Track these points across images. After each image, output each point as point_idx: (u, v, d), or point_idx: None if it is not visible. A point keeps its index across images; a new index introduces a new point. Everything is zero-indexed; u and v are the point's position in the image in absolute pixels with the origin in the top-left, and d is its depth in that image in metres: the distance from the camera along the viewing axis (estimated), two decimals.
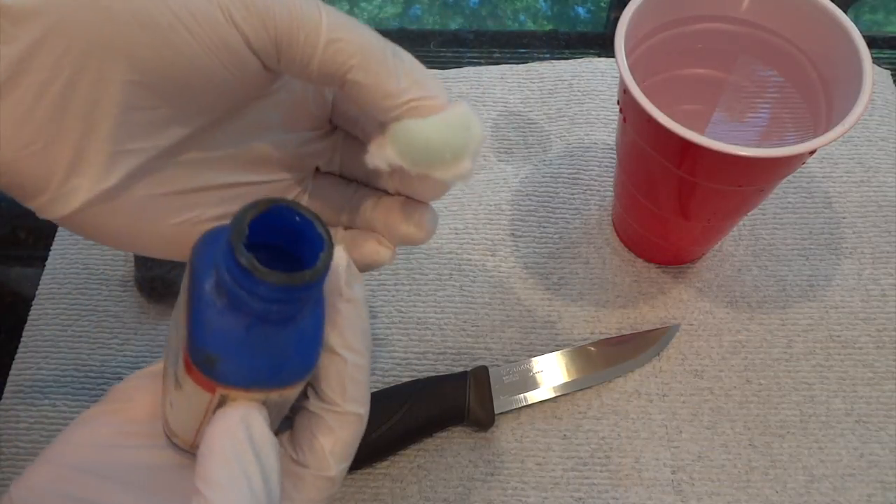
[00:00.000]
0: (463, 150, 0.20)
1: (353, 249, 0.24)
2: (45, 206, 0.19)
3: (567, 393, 0.37)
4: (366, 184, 0.25)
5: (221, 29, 0.18)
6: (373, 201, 0.24)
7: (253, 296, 0.17)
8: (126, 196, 0.20)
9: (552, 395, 0.36)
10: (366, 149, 0.21)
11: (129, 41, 0.18)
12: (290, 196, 0.24)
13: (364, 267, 0.24)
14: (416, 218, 0.24)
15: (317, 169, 0.26)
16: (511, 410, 0.36)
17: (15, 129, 0.18)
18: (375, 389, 0.36)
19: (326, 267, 0.18)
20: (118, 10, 0.17)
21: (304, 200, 0.25)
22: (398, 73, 0.20)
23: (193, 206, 0.22)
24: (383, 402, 0.35)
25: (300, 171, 0.24)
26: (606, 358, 0.37)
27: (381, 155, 0.20)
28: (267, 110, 0.22)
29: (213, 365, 0.18)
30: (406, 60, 0.21)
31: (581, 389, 0.37)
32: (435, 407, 0.35)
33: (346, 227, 0.25)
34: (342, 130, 0.25)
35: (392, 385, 0.36)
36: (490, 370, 0.36)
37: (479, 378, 0.36)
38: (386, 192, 0.25)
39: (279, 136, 0.23)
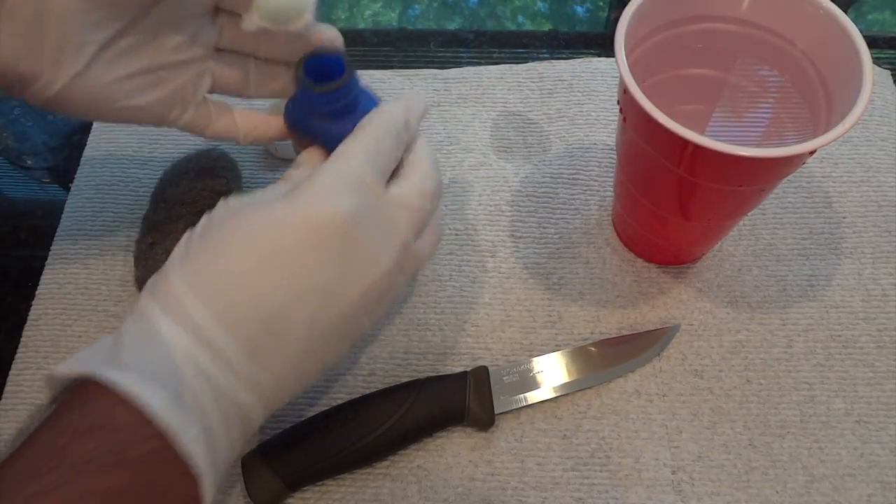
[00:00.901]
0: (301, 10, 0.30)
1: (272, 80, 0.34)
2: (39, 91, 0.28)
3: (567, 393, 0.37)
4: (254, 55, 0.34)
5: None
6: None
7: (308, 98, 0.32)
8: (89, 78, 0.28)
9: (552, 395, 0.36)
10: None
11: None
12: (202, 67, 0.33)
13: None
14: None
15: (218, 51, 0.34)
16: (511, 410, 0.36)
17: (13, 39, 0.26)
18: (375, 389, 0.36)
19: (347, 81, 0.31)
20: None
21: (215, 70, 0.33)
22: None
23: (134, 87, 0.30)
24: (383, 402, 0.35)
25: (206, 49, 0.32)
26: (607, 358, 0.37)
27: (250, 21, 0.29)
28: (170, 6, 0.30)
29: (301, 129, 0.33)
30: None
31: (581, 390, 0.37)
32: (435, 407, 0.35)
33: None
34: (226, 12, 0.33)
35: (392, 385, 0.36)
36: (490, 370, 0.36)
37: (479, 378, 0.36)
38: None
39: (185, 23, 0.31)
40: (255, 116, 0.34)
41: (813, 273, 0.41)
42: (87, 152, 0.46)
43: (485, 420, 0.35)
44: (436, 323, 0.39)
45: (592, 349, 0.38)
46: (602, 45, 0.52)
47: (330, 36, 0.32)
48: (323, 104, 0.33)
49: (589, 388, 0.37)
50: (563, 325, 0.39)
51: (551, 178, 0.44)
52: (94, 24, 0.28)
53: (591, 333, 0.39)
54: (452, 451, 0.36)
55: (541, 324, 0.39)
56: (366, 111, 0.36)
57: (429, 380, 0.36)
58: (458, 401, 0.35)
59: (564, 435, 0.36)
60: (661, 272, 0.41)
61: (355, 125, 0.33)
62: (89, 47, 0.28)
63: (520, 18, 0.54)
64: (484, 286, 0.41)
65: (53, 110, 0.29)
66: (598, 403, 0.37)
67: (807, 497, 0.35)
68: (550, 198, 0.44)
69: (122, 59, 0.29)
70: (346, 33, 0.54)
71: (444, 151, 0.45)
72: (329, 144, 0.30)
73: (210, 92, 0.34)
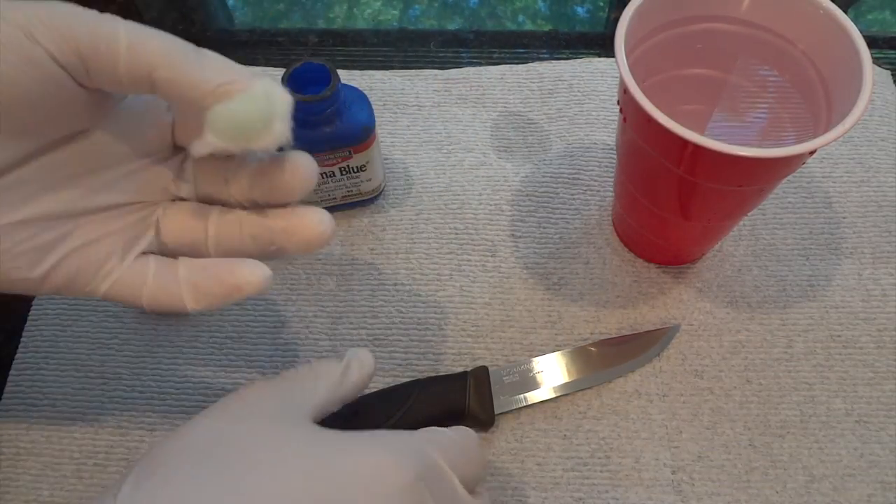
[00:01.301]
0: (270, 118, 0.23)
1: (228, 276, 0.24)
2: None
3: (567, 393, 0.37)
4: (223, 203, 0.26)
5: (25, 47, 0.20)
6: (237, 217, 0.26)
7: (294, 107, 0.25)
8: None
9: (552, 395, 0.36)
10: (213, 167, 0.24)
11: None
12: (146, 222, 0.25)
13: (234, 290, 0.25)
14: (300, 212, 0.25)
15: (179, 199, 0.27)
16: (511, 410, 0.36)
17: None
18: (375, 389, 0.36)
19: (332, 92, 0.34)
20: None
21: (161, 225, 0.26)
22: (201, 65, 0.22)
23: (30, 248, 0.22)
24: (383, 401, 0.35)
25: (150, 195, 0.25)
26: (607, 358, 0.37)
27: (202, 143, 0.22)
28: (105, 137, 0.24)
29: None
30: (208, 55, 0.22)
31: (581, 390, 0.37)
32: (435, 407, 0.35)
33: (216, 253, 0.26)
34: (185, 152, 0.26)
35: (392, 385, 0.36)
36: (490, 370, 0.36)
37: (479, 378, 0.36)
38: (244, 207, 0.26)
39: (121, 161, 0.24)
40: (206, 276, 0.25)
41: (813, 273, 0.41)
42: None
43: (485, 420, 0.35)
44: (436, 323, 0.39)
45: (592, 349, 0.38)
46: (602, 45, 0.52)
47: (303, 173, 0.25)
48: (308, 113, 0.35)
49: (589, 388, 0.37)
50: (563, 325, 0.39)
51: (551, 177, 0.44)
52: None
53: (591, 333, 0.39)
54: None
55: (541, 324, 0.39)
56: (352, 115, 0.37)
57: (429, 380, 0.36)
58: (458, 401, 0.35)
59: (564, 435, 0.36)
60: (661, 272, 0.41)
61: (339, 130, 0.34)
62: None
63: (520, 18, 0.54)
64: (484, 286, 0.41)
65: None
66: (598, 404, 0.37)
67: (807, 497, 0.35)
68: (550, 197, 0.44)
69: (11, 200, 0.22)
70: (346, 33, 0.55)
71: (445, 151, 0.45)
72: (314, 150, 0.30)
73: (151, 251, 0.26)
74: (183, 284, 0.25)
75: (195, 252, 0.26)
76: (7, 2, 0.20)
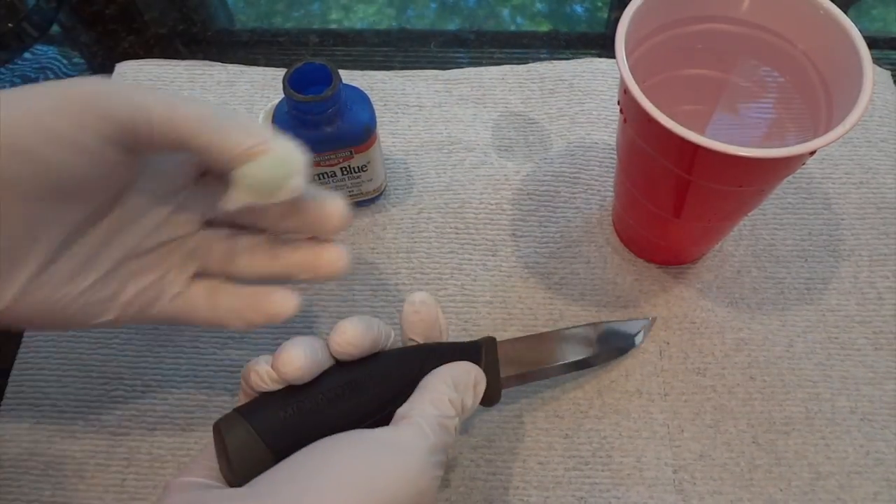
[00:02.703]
0: (289, 175, 0.26)
1: (264, 305, 0.29)
2: None
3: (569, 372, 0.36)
4: (256, 227, 0.30)
5: (78, 137, 0.23)
6: (265, 246, 0.30)
7: (293, 108, 0.34)
8: (35, 296, 0.24)
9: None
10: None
11: (10, 168, 0.22)
12: (189, 252, 0.29)
13: (271, 318, 0.29)
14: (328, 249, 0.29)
15: (209, 223, 0.30)
16: (513, 406, 0.36)
17: None
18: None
19: (333, 92, 0.34)
20: None
21: (200, 252, 0.29)
22: (227, 132, 0.25)
23: (96, 292, 0.26)
24: (396, 365, 0.31)
25: (187, 228, 0.29)
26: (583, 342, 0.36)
27: (231, 199, 0.26)
28: (145, 184, 0.27)
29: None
30: (232, 118, 0.25)
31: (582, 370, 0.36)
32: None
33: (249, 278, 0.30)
34: (213, 176, 0.29)
35: (400, 348, 0.32)
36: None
37: (489, 349, 0.33)
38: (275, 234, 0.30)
39: (161, 203, 0.27)
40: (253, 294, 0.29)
41: (811, 276, 0.41)
42: None
43: (493, 395, 0.32)
44: None
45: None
46: (602, 45, 0.52)
47: (336, 222, 0.28)
48: (309, 114, 0.35)
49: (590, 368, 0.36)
50: (564, 324, 0.39)
51: (552, 176, 0.44)
52: (40, 229, 0.24)
53: None
54: (453, 450, 0.36)
55: (542, 323, 0.39)
56: (354, 115, 0.37)
57: (438, 347, 0.32)
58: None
59: (566, 434, 0.36)
60: (662, 272, 0.41)
61: (340, 130, 0.35)
62: (34, 260, 0.24)
63: (518, 19, 0.54)
64: (485, 285, 0.41)
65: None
66: (600, 403, 0.37)
67: (812, 495, 0.35)
68: (551, 197, 0.44)
69: (75, 265, 0.25)
70: (346, 33, 0.55)
71: (446, 151, 0.45)
72: (315, 150, 0.30)
73: (196, 275, 0.30)
74: (226, 312, 0.29)
75: (230, 272, 0.30)
76: (62, 88, 0.23)
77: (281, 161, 0.26)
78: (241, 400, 0.29)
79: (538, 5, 0.55)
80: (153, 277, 0.28)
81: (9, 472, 0.35)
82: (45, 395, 0.37)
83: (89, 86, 0.24)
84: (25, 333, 0.39)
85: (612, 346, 0.37)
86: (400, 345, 0.31)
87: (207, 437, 0.36)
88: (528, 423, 0.37)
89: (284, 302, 0.29)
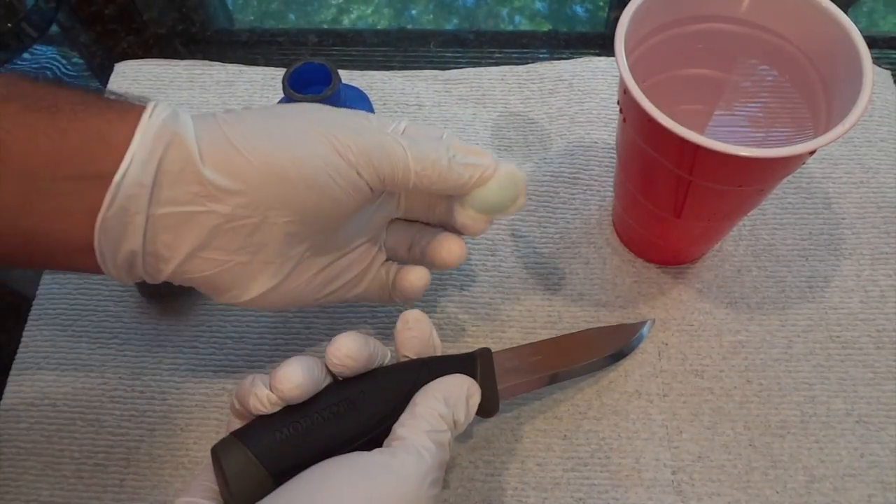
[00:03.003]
0: (516, 196, 0.32)
1: (414, 281, 0.34)
2: (230, 299, 0.29)
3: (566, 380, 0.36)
4: (425, 221, 0.35)
5: (354, 179, 0.28)
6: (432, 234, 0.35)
7: None
8: (281, 287, 0.30)
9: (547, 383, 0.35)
10: (420, 197, 0.33)
11: (298, 198, 0.27)
12: (379, 245, 0.34)
13: (416, 293, 0.34)
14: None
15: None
16: (512, 407, 0.36)
17: (219, 254, 0.27)
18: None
19: (333, 91, 0.36)
20: (294, 179, 0.27)
21: (386, 244, 0.35)
22: (461, 170, 0.30)
23: (320, 282, 0.32)
24: (388, 381, 0.31)
25: (379, 229, 0.34)
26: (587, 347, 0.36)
27: (465, 215, 0.32)
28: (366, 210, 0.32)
29: None
30: (462, 152, 0.31)
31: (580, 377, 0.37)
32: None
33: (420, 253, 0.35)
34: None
35: (394, 363, 0.33)
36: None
37: (484, 360, 0.33)
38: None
39: (366, 216, 0.32)
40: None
41: (812, 274, 0.41)
42: None
43: (490, 407, 0.32)
44: (436, 323, 0.39)
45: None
46: (602, 45, 0.52)
47: (454, 259, 0.33)
48: None
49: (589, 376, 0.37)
50: (564, 324, 0.39)
51: (552, 176, 0.44)
52: (296, 243, 0.29)
53: None
54: (452, 451, 0.36)
55: (541, 324, 0.39)
56: None
57: (433, 360, 0.32)
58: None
59: (564, 435, 0.36)
60: (661, 272, 0.41)
61: None
62: (287, 265, 0.29)
63: (517, 19, 0.54)
64: (484, 286, 0.41)
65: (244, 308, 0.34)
66: (599, 404, 0.37)
67: (807, 497, 0.35)
68: (551, 197, 0.44)
69: (312, 263, 0.31)
70: (345, 33, 0.55)
71: None
72: None
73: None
74: (399, 288, 0.34)
75: (400, 257, 0.35)
76: (343, 137, 0.28)
77: (507, 183, 0.31)
78: (231, 420, 0.30)
79: (538, 5, 0.55)
80: (358, 267, 0.33)
81: (7, 472, 0.35)
82: (44, 395, 0.37)
83: (360, 137, 0.28)
84: (25, 333, 0.39)
85: (611, 350, 0.37)
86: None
87: (206, 438, 0.36)
88: (526, 424, 0.37)
89: (420, 277, 0.34)
